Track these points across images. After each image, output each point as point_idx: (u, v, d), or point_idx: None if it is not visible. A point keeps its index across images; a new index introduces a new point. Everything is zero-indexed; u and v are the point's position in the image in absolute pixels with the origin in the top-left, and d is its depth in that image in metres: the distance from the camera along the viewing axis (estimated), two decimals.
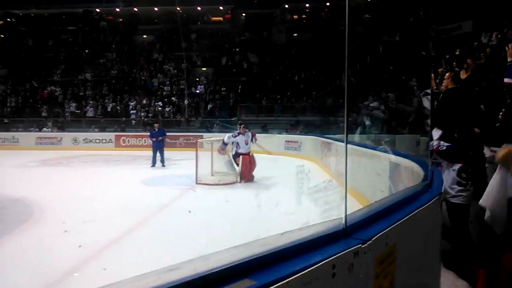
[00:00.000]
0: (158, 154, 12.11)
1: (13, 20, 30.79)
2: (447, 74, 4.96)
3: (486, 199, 2.06)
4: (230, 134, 9.95)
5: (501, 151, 2.00)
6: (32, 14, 30.48)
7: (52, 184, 9.51)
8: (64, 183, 9.58)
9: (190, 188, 8.72)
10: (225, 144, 9.96)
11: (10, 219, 6.06)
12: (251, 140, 9.82)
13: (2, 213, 6.39)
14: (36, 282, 3.80)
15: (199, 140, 10.40)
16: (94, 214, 6.40)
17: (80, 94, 23.32)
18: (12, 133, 19.57)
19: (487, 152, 4.44)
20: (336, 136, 10.88)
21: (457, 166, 4.05)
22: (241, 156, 9.34)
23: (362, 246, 1.49)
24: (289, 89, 20.80)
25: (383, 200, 2.11)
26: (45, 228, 5.63)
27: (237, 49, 25.35)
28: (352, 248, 1.45)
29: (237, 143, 9.63)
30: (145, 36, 28.34)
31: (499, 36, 10.04)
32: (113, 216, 6.24)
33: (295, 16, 27.74)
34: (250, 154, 9.61)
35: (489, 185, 2.07)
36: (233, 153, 9.82)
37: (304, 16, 27.65)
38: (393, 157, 5.63)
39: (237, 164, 9.51)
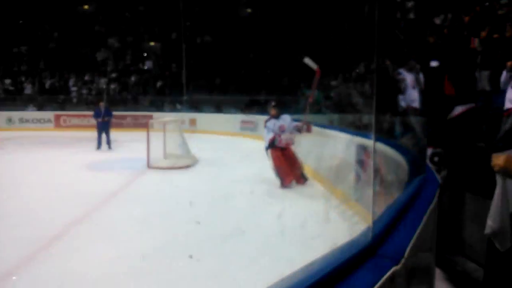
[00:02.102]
0: (103, 135, 11.22)
1: None
2: None
3: (490, 214, 1.82)
4: (267, 121, 7.10)
5: (498, 159, 1.70)
6: None
7: None
8: None
9: (142, 172, 8.09)
10: (272, 143, 6.88)
11: None
12: (301, 130, 6.97)
13: None
14: None
15: (150, 121, 9.65)
16: (32, 205, 5.67)
17: (15, 69, 21.20)
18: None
19: None
20: (294, 116, 10.63)
21: (428, 151, 3.87)
22: (269, 151, 6.92)
23: (398, 268, 1.13)
24: (244, 67, 20.22)
25: (397, 200, 1.77)
26: None
27: (188, 23, 24.19)
28: (388, 275, 1.09)
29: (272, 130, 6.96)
30: (86, 6, 26.18)
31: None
32: (55, 207, 5.55)
33: None
34: (288, 146, 6.98)
35: (493, 198, 1.83)
36: (266, 144, 7.03)
37: None
38: (359, 139, 5.41)
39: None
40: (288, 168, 6.79)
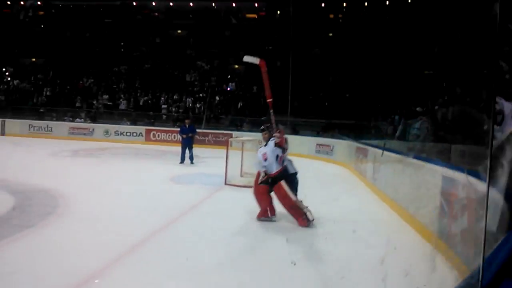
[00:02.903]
0: (187, 150, 11.85)
1: (53, 11, 31.58)
2: None
3: None
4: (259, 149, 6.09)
5: None
6: (71, 6, 31.13)
7: (81, 176, 9.44)
8: (93, 176, 9.50)
9: (219, 189, 8.37)
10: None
11: (34, 211, 5.86)
12: (279, 143, 5.72)
13: (27, 204, 6.21)
14: (56, 284, 3.50)
15: (230, 139, 10.00)
16: (121, 210, 6.16)
17: (114, 86, 23.51)
18: (46, 122, 19.92)
19: None
20: (374, 142, 10.30)
21: None
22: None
23: None
24: (322, 90, 20.20)
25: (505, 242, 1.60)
26: (69, 224, 5.38)
27: (270, 47, 24.92)
28: None
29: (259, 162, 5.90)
30: (179, 31, 28.38)
31: None
32: (140, 214, 5.96)
33: (331, 16, 27.04)
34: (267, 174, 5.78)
35: None
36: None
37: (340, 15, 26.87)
38: (447, 171, 5.03)
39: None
40: (267, 202, 5.75)
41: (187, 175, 10.12)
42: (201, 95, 21.39)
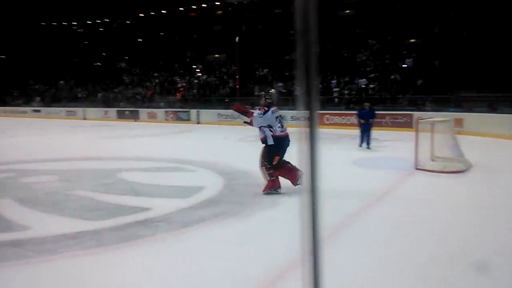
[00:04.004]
0: (365, 134, 11.36)
1: (230, 9, 35.08)
2: None
3: None
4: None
5: None
6: (244, 2, 33.94)
7: None
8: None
9: (409, 173, 7.85)
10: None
11: (242, 190, 6.71)
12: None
13: (234, 183, 7.14)
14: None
15: (419, 121, 9.19)
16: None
17: (286, 74, 24.62)
18: (231, 110, 22.24)
19: None
20: None
21: None
22: None
23: None
24: None
25: None
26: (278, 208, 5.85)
27: (452, 15, 22.02)
28: None
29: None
30: (347, 11, 27.80)
31: None
32: (336, 197, 6.01)
33: None
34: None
35: None
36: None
37: None
38: None
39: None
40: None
41: (369, 159, 9.83)
42: (373, 75, 20.51)
